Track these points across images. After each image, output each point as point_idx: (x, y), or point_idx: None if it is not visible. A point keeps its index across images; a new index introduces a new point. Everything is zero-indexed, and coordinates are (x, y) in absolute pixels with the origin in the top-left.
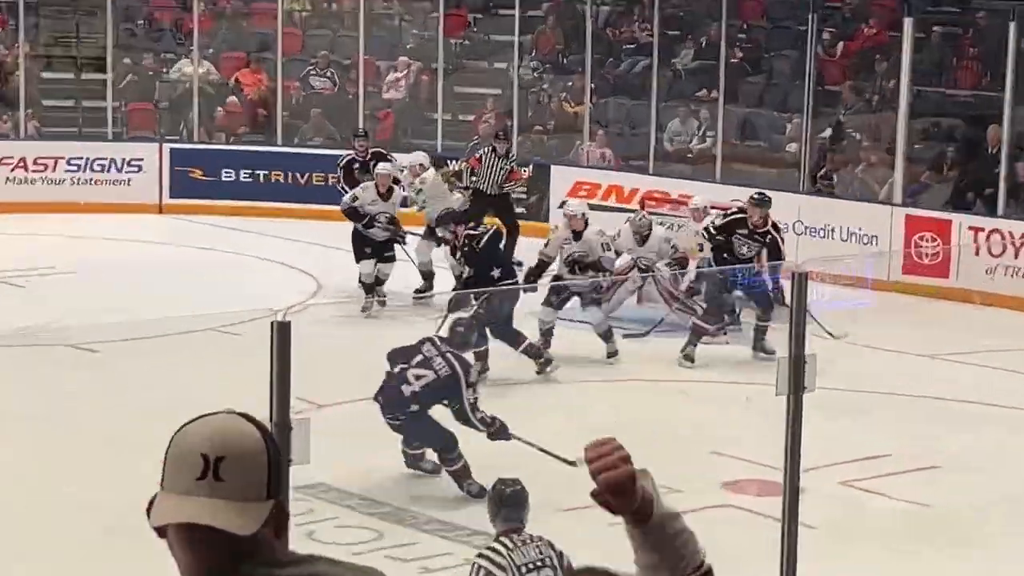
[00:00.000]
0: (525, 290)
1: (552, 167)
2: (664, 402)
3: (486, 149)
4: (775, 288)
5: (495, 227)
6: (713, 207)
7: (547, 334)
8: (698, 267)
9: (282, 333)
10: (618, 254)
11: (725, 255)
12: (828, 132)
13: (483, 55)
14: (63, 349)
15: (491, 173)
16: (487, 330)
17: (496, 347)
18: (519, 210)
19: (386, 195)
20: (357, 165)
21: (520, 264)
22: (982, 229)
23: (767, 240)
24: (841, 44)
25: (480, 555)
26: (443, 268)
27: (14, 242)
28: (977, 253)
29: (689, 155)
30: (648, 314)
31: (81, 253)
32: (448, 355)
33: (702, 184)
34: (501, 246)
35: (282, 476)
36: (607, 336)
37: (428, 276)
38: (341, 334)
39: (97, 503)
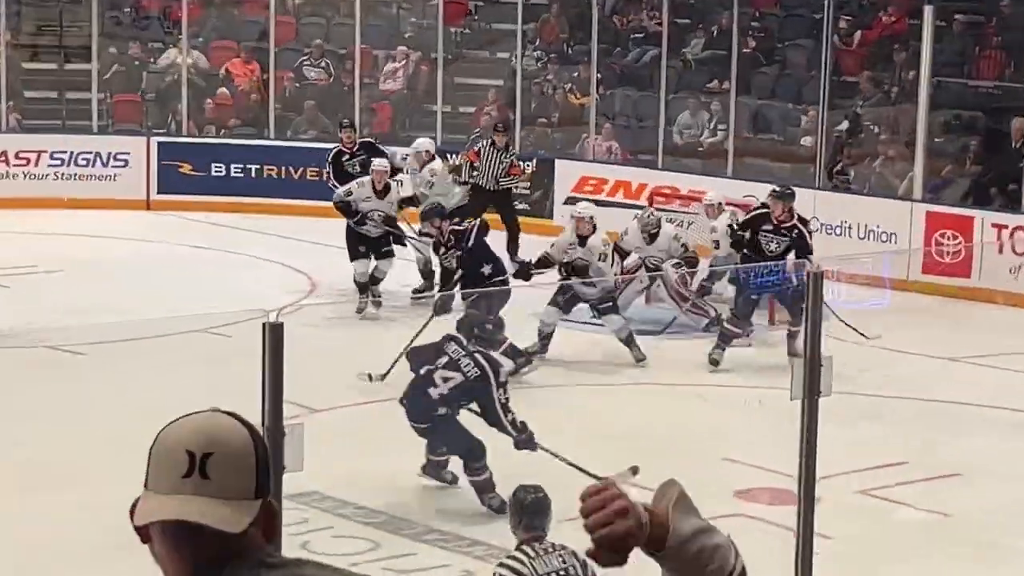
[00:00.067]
0: (513, 283)
1: (556, 162)
2: (679, 406)
3: (485, 142)
4: (801, 287)
5: (481, 221)
6: (728, 204)
7: (546, 338)
8: (711, 265)
9: (275, 334)
10: (627, 254)
11: (751, 253)
12: (844, 125)
13: (484, 44)
14: (46, 351)
15: (490, 167)
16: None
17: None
18: (522, 206)
19: (382, 192)
20: (346, 157)
21: (526, 262)
22: (1005, 226)
23: (793, 235)
24: (858, 33)
25: (501, 564)
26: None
27: None
28: (1000, 251)
29: (700, 149)
30: (657, 314)
31: (65, 251)
32: (476, 355)
33: (713, 179)
34: (487, 239)
35: (271, 474)
36: (629, 341)
37: (428, 275)
38: (336, 335)
39: (83, 506)
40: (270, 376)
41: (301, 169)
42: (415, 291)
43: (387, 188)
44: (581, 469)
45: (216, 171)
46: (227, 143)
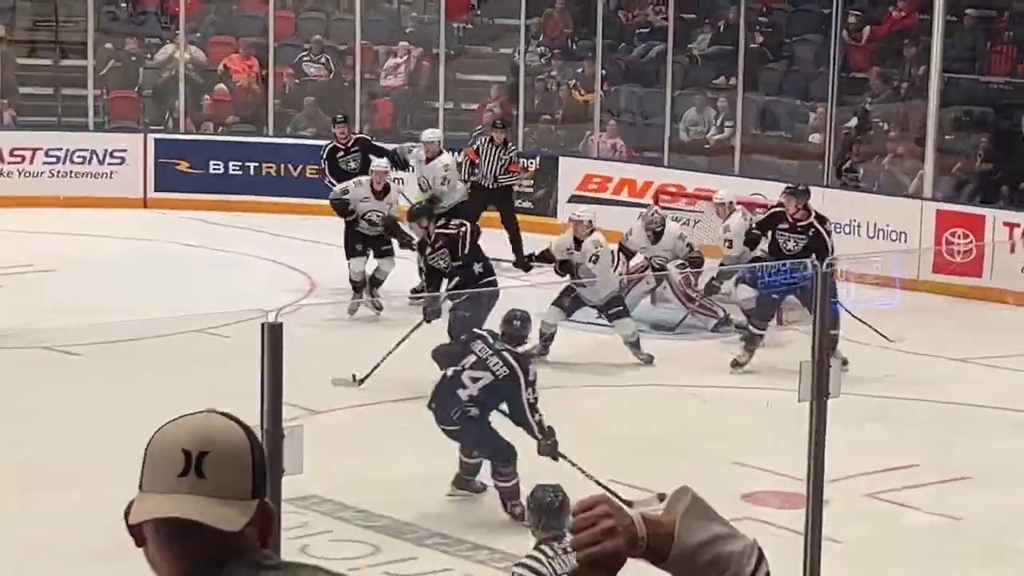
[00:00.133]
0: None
1: (560, 159)
2: (686, 408)
3: (483, 140)
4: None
5: (473, 226)
6: (739, 202)
7: (547, 340)
8: (721, 264)
9: (273, 335)
10: (632, 254)
11: (770, 253)
12: (853, 122)
13: (487, 40)
14: (40, 352)
15: (489, 164)
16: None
17: None
18: (526, 204)
19: (381, 193)
20: (341, 153)
21: (529, 253)
22: (1017, 225)
23: (810, 234)
24: (867, 28)
25: (519, 563)
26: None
27: None
28: (1012, 250)
29: (706, 146)
30: (664, 315)
31: (60, 250)
32: (504, 353)
33: (720, 177)
34: (480, 242)
35: (267, 475)
36: (636, 346)
37: None
38: (336, 336)
39: (83, 506)
40: (269, 377)
41: (300, 166)
42: (413, 291)
43: (386, 189)
44: (604, 487)
45: (214, 168)
46: (225, 140)
